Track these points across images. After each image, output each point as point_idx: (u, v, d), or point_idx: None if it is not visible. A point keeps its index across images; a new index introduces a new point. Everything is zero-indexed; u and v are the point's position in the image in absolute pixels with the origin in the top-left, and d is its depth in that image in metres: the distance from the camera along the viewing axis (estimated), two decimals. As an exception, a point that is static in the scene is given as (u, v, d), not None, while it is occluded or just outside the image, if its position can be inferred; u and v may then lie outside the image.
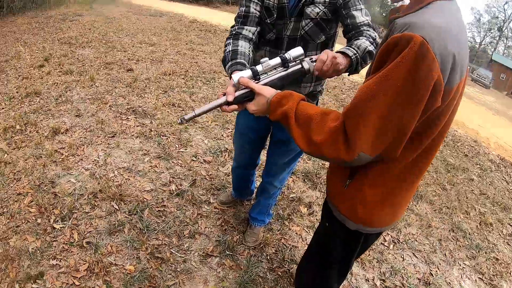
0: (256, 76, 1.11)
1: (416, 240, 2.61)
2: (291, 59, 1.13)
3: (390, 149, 0.90)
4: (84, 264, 1.97)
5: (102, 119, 3.42)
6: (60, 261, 1.97)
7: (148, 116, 3.69)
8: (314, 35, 1.46)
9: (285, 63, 1.14)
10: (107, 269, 1.95)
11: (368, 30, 1.37)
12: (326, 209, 1.27)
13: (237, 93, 1.09)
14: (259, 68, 1.11)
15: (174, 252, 2.11)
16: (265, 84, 1.11)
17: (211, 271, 2.05)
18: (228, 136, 3.54)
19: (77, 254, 2.02)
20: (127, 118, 3.58)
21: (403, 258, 2.43)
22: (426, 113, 0.85)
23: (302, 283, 1.56)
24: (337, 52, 1.25)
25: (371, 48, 1.29)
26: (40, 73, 4.36)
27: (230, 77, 1.22)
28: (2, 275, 1.87)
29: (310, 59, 1.18)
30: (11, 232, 2.10)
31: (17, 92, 3.80)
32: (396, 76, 0.79)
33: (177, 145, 3.23)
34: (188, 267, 2.03)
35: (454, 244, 2.66)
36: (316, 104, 1.78)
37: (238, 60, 1.32)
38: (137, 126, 3.46)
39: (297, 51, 1.13)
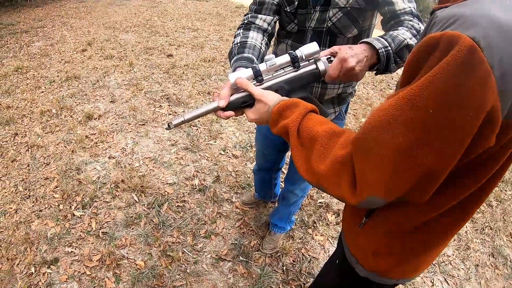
0: (258, 77, 0.91)
1: (450, 264, 2.35)
2: (303, 57, 0.92)
3: (414, 194, 0.64)
4: (97, 254, 1.98)
5: (135, 105, 3.44)
6: (75, 248, 2.00)
7: (182, 104, 3.65)
8: (343, 28, 1.19)
9: (295, 62, 0.92)
10: (119, 262, 1.94)
11: (410, 20, 1.08)
12: (341, 240, 1.08)
13: (233, 97, 0.92)
14: (262, 67, 0.91)
15: (186, 251, 2.06)
16: (268, 87, 0.92)
17: (221, 276, 1.97)
18: (259, 130, 3.42)
19: (92, 243, 2.03)
20: (160, 105, 3.57)
21: (432, 283, 2.19)
22: (471, 154, 0.59)
23: None
24: (361, 42, 0.98)
25: (411, 41, 1.01)
26: (82, 57, 4.49)
27: None
28: (21, 257, 1.93)
29: (327, 58, 0.96)
30: (34, 215, 2.16)
31: (57, 76, 3.94)
32: (427, 99, 0.53)
33: (206, 137, 3.17)
34: (198, 269, 1.97)
35: (492, 272, 2.38)
36: (346, 108, 1.56)
37: (245, 55, 1.12)
38: (169, 114, 3.44)
39: (311, 47, 0.92)
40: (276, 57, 0.92)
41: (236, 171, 2.82)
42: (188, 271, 1.95)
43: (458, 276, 2.30)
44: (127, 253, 2.00)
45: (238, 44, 1.18)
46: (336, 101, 1.44)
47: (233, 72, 1.00)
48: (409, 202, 0.69)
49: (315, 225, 2.45)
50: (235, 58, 1.13)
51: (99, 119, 3.20)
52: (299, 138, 0.77)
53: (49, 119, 3.11)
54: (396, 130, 0.57)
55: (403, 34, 1.00)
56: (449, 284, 2.23)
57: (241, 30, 1.26)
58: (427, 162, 0.57)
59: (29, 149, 2.73)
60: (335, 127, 0.75)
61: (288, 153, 2.02)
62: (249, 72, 0.91)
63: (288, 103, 0.81)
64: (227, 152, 3.03)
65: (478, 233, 2.67)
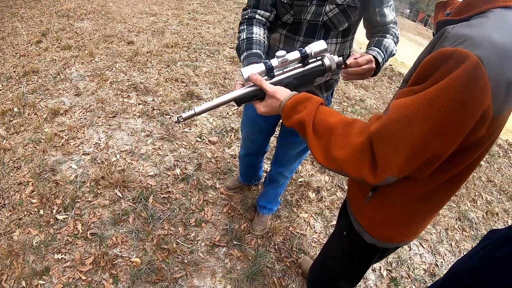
0: (270, 73, 0.95)
1: (423, 229, 2.54)
2: (312, 54, 0.96)
3: (420, 171, 0.79)
4: (89, 257, 1.92)
5: (102, 97, 3.29)
6: (65, 254, 1.93)
7: (150, 93, 3.54)
8: (338, 23, 1.26)
9: (305, 59, 0.97)
10: (113, 262, 1.91)
11: (394, 28, 1.30)
12: (345, 214, 1.19)
13: (245, 91, 0.95)
14: (274, 62, 0.95)
15: (180, 242, 2.06)
16: (279, 82, 0.96)
17: (218, 262, 2.00)
18: (233, 114, 3.41)
19: (82, 246, 1.98)
20: (128, 95, 3.44)
21: (410, 247, 2.37)
22: (467, 140, 0.73)
23: None
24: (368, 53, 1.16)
25: (394, 50, 1.25)
26: (37, 49, 4.20)
27: None
28: (8, 272, 1.83)
29: (331, 53, 1.00)
30: (14, 225, 2.05)
31: (14, 71, 3.67)
32: (441, 100, 0.67)
33: (180, 125, 3.11)
34: (195, 258, 1.99)
35: (461, 234, 2.61)
36: (332, 93, 1.63)
37: (254, 51, 1.19)
38: (138, 104, 3.33)
39: (320, 45, 0.96)
40: (277, 50, 0.98)
41: (216, 157, 2.82)
42: (185, 261, 1.96)
43: (431, 239, 2.50)
44: (120, 252, 1.96)
45: (245, 40, 1.24)
46: (323, 87, 1.52)
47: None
48: (411, 178, 0.83)
49: (298, 203, 2.53)
50: (245, 54, 1.20)
51: (65, 114, 3.04)
52: (315, 130, 0.85)
53: (12, 119, 2.91)
54: (415, 123, 0.70)
55: (391, 44, 1.23)
56: (424, 248, 2.42)
57: (245, 26, 1.30)
58: (436, 147, 0.72)
59: (-5, 154, 2.56)
60: (346, 117, 0.85)
61: (273, 138, 2.04)
62: (261, 67, 0.94)
63: (300, 98, 0.88)
64: (203, 139, 3.00)
65: (444, 200, 2.88)
